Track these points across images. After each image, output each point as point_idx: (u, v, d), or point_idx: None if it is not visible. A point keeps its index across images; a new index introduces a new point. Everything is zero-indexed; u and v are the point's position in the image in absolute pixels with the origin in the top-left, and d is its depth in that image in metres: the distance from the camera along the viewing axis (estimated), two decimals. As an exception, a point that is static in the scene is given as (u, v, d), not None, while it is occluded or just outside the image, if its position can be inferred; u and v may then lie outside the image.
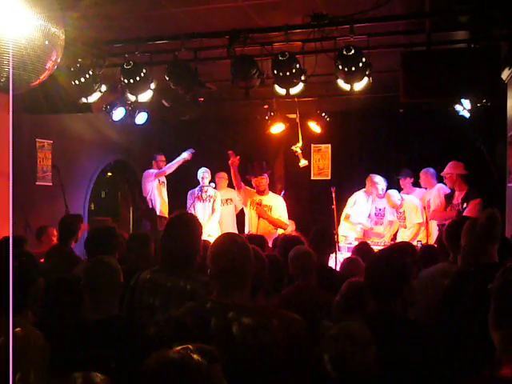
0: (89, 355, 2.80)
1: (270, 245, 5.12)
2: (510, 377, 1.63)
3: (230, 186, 8.75)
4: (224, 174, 8.71)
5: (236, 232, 8.39)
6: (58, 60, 3.37)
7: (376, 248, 7.04)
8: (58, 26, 3.03)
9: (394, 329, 2.60)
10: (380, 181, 7.93)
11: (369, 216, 8.41)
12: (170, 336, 2.58)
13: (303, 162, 8.47)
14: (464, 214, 6.38)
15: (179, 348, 1.56)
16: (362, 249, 5.08)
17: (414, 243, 7.38)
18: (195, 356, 1.51)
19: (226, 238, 2.60)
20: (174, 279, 3.01)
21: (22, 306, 2.66)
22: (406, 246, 4.73)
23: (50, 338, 2.80)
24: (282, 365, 2.36)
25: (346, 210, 8.15)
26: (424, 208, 7.63)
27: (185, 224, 3.17)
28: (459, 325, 2.92)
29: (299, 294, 3.63)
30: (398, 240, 7.70)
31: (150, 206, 8.35)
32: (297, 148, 8.26)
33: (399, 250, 3.41)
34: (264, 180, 7.13)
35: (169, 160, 8.51)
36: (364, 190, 8.18)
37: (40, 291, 2.80)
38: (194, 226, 3.19)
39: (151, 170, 8.52)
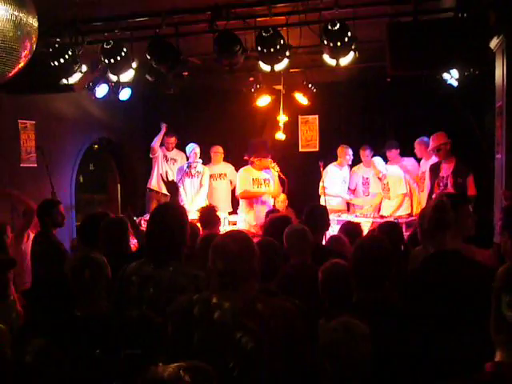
0: (79, 351, 2.80)
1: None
2: (489, 379, 1.65)
3: (226, 160, 8.69)
4: (219, 148, 8.60)
5: (229, 207, 8.39)
6: (34, 48, 3.25)
7: (362, 220, 7.11)
8: (30, 14, 2.91)
9: (380, 318, 2.60)
10: (348, 151, 8.19)
11: (355, 186, 8.41)
12: (159, 330, 2.57)
13: (279, 136, 8.38)
14: (469, 192, 6.21)
15: (172, 366, 1.51)
16: (348, 228, 5.06)
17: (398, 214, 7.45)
18: (186, 377, 1.47)
19: (227, 236, 2.49)
20: (160, 272, 2.98)
21: None
22: (390, 227, 4.74)
23: (41, 333, 2.80)
24: (270, 355, 2.32)
25: (322, 183, 8.06)
26: (419, 178, 7.56)
27: (169, 215, 3.10)
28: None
29: (294, 272, 3.61)
30: (383, 211, 7.70)
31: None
32: (281, 122, 8.25)
33: (381, 237, 3.36)
34: (269, 161, 7.04)
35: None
36: (335, 162, 8.27)
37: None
38: (178, 216, 3.12)
39: None
